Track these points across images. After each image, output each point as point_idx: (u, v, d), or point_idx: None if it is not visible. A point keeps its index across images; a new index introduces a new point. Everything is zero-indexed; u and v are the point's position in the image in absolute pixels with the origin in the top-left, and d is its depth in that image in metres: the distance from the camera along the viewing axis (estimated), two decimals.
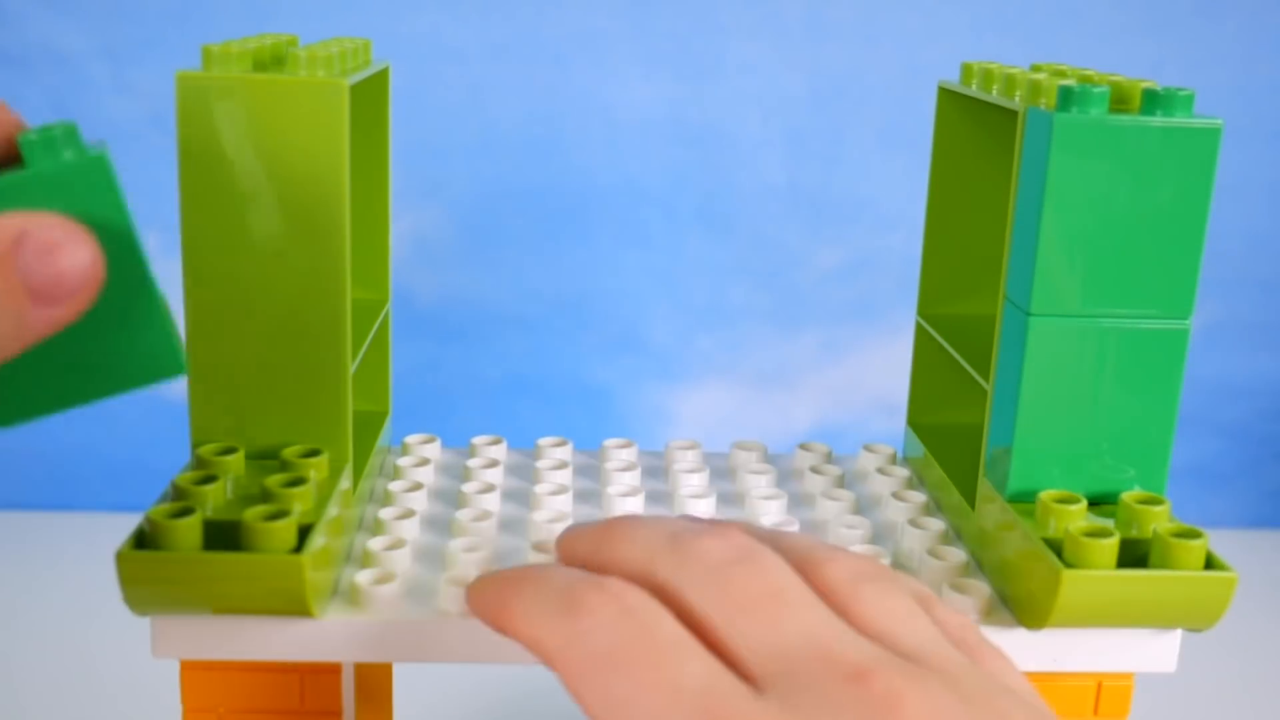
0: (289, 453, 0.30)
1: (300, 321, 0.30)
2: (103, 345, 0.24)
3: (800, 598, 0.24)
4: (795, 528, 0.34)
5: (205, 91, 0.28)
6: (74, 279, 0.22)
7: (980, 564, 0.33)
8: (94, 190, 0.23)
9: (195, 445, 0.30)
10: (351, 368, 0.31)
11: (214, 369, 0.30)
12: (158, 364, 0.24)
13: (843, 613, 0.25)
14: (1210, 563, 0.29)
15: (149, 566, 0.27)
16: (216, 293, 0.29)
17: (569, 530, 0.27)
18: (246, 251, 0.29)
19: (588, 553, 0.26)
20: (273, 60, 0.30)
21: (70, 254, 0.22)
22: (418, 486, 0.35)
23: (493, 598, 0.27)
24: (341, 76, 0.29)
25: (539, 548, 0.32)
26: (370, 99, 0.37)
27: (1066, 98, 0.29)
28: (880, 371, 0.72)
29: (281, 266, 0.29)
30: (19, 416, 0.25)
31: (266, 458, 0.30)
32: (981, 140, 0.38)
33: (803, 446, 0.40)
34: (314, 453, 0.30)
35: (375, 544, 0.31)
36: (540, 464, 0.38)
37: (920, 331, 0.40)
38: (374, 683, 0.37)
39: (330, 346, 0.30)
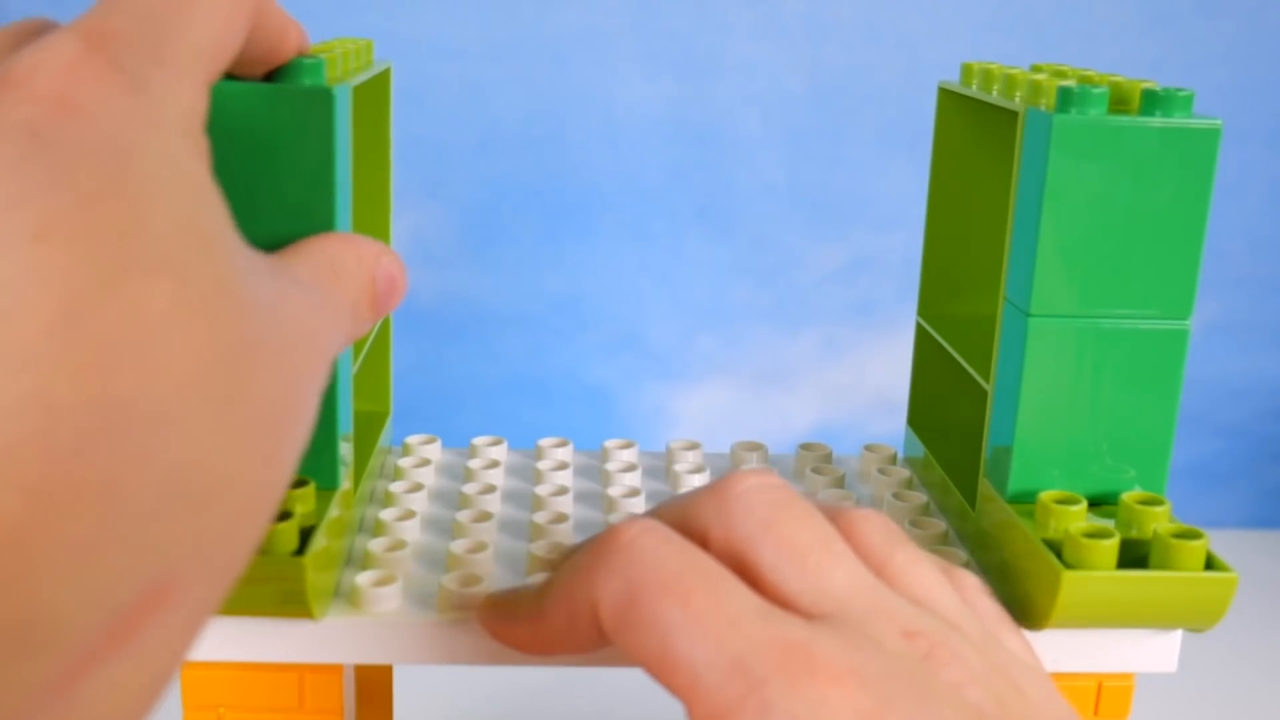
0: None
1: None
2: None
3: (845, 551, 0.24)
4: None
5: None
6: (396, 300, 0.25)
7: (980, 565, 0.33)
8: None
9: None
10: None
11: None
12: None
13: (878, 573, 0.25)
14: (1210, 563, 0.29)
15: None
16: None
17: None
18: None
19: None
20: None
21: (403, 284, 0.25)
22: (418, 487, 0.35)
23: (513, 594, 0.27)
24: (344, 79, 0.29)
25: (550, 552, 0.32)
26: (371, 99, 0.37)
27: (1066, 98, 0.29)
28: (880, 371, 0.72)
29: None
30: None
31: None
32: (981, 141, 0.38)
33: (803, 446, 0.40)
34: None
35: (376, 545, 0.31)
36: (541, 465, 0.38)
37: (920, 331, 0.40)
38: (374, 683, 0.37)
39: None
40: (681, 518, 0.25)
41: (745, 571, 0.24)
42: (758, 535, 0.24)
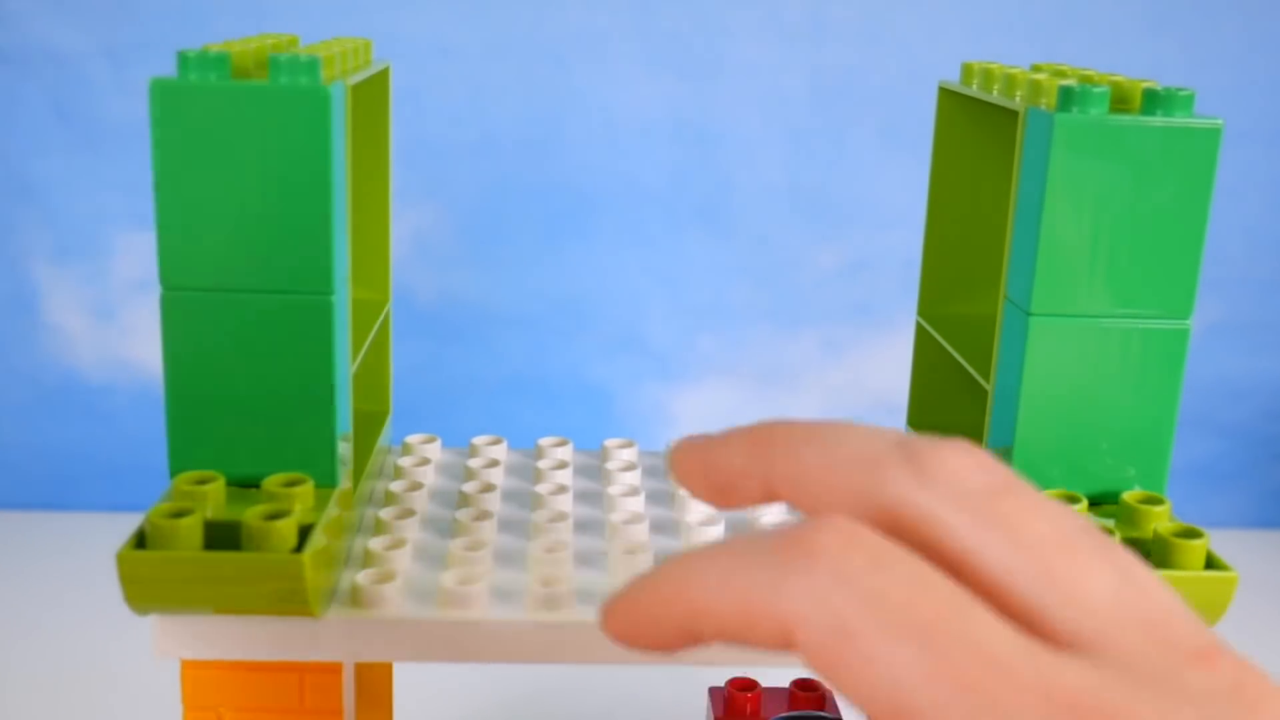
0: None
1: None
2: None
3: (1094, 546, 0.18)
4: None
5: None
6: None
7: None
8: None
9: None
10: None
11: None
12: None
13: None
14: (1211, 563, 0.29)
15: (150, 567, 0.27)
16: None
17: (687, 440, 0.21)
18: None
19: (747, 469, 0.20)
20: (255, 65, 0.29)
21: None
22: (418, 486, 0.35)
23: (656, 591, 0.19)
24: (341, 78, 0.29)
25: (549, 550, 0.32)
26: (370, 99, 0.37)
27: (1067, 98, 0.29)
28: (880, 371, 0.72)
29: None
30: None
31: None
32: (982, 140, 0.38)
33: None
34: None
35: (376, 544, 0.31)
36: (541, 464, 0.38)
37: (920, 331, 0.40)
38: (374, 683, 0.37)
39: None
40: (865, 490, 0.19)
41: (962, 578, 0.18)
42: (984, 533, 0.18)
